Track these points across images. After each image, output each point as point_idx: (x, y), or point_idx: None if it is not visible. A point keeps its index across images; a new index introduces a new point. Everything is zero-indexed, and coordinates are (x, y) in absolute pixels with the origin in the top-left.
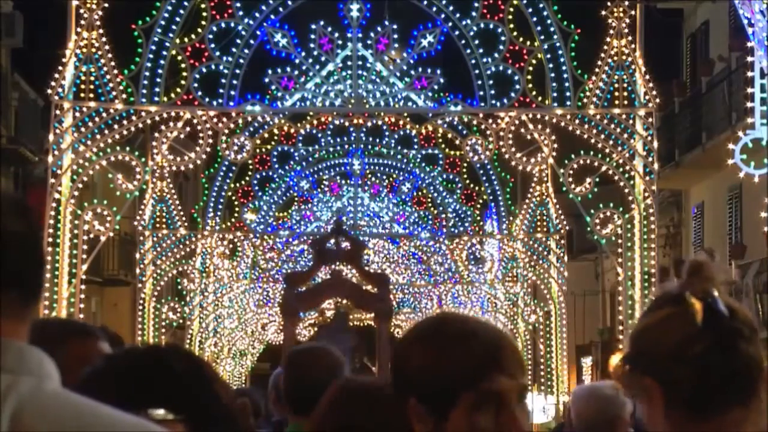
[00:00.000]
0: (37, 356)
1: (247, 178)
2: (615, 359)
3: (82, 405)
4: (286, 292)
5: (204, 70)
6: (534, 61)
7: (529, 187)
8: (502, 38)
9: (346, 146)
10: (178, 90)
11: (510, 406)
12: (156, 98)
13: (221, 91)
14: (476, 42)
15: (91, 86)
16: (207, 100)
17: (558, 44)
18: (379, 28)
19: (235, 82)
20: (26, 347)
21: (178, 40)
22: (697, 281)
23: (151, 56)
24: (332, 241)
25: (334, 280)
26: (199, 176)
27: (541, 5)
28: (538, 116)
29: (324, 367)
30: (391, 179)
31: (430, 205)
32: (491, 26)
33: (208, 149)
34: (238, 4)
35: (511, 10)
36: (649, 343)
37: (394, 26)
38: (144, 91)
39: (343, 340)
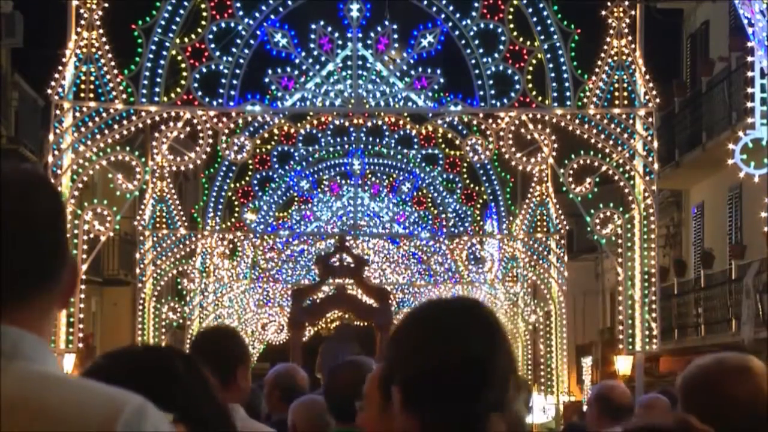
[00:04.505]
0: (12, 336)
1: (247, 178)
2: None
3: (54, 377)
4: (294, 307)
5: (204, 70)
6: (534, 61)
7: (529, 187)
8: (502, 38)
9: (346, 146)
10: (178, 90)
11: None
12: (156, 98)
13: (221, 91)
14: (476, 42)
15: (91, 86)
16: (207, 100)
17: (558, 44)
18: (379, 28)
19: (235, 82)
20: (3, 329)
21: (178, 40)
22: None
23: (151, 56)
24: (336, 257)
25: (338, 295)
26: (199, 176)
27: (541, 5)
28: (538, 116)
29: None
30: (391, 179)
31: (430, 205)
32: (491, 26)
33: (208, 149)
34: (238, 4)
35: (511, 10)
36: None
37: (394, 26)
38: (144, 91)
39: (346, 350)
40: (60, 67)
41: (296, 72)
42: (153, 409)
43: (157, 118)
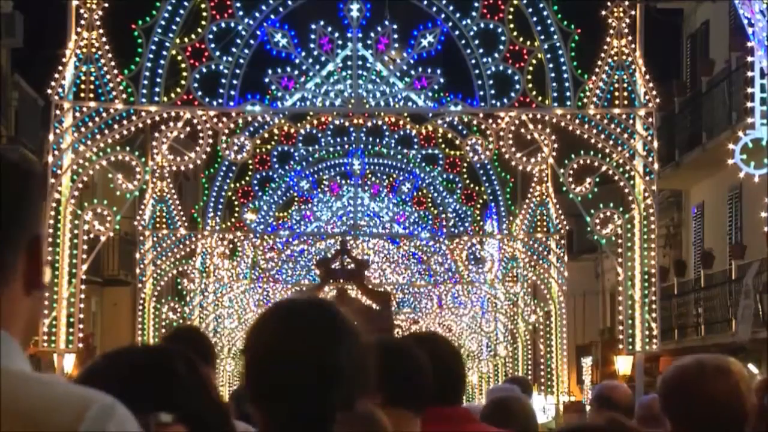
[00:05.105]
0: None
1: (247, 178)
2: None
3: (19, 375)
4: None
5: (204, 70)
6: (534, 61)
7: (529, 187)
8: (502, 38)
9: (346, 146)
10: (178, 90)
11: None
12: (156, 98)
13: (221, 91)
14: (476, 42)
15: (91, 86)
16: (207, 100)
17: (558, 44)
18: (379, 28)
19: (235, 82)
20: None
21: (178, 40)
22: None
23: (151, 56)
24: (337, 260)
25: (339, 299)
26: (199, 176)
27: (541, 5)
28: (538, 116)
29: None
30: (391, 179)
31: (430, 205)
32: (491, 26)
33: (208, 149)
34: (238, 4)
35: (511, 10)
36: None
37: (394, 26)
38: (144, 91)
39: None
40: (60, 67)
41: (296, 72)
42: (122, 410)
43: (157, 118)
